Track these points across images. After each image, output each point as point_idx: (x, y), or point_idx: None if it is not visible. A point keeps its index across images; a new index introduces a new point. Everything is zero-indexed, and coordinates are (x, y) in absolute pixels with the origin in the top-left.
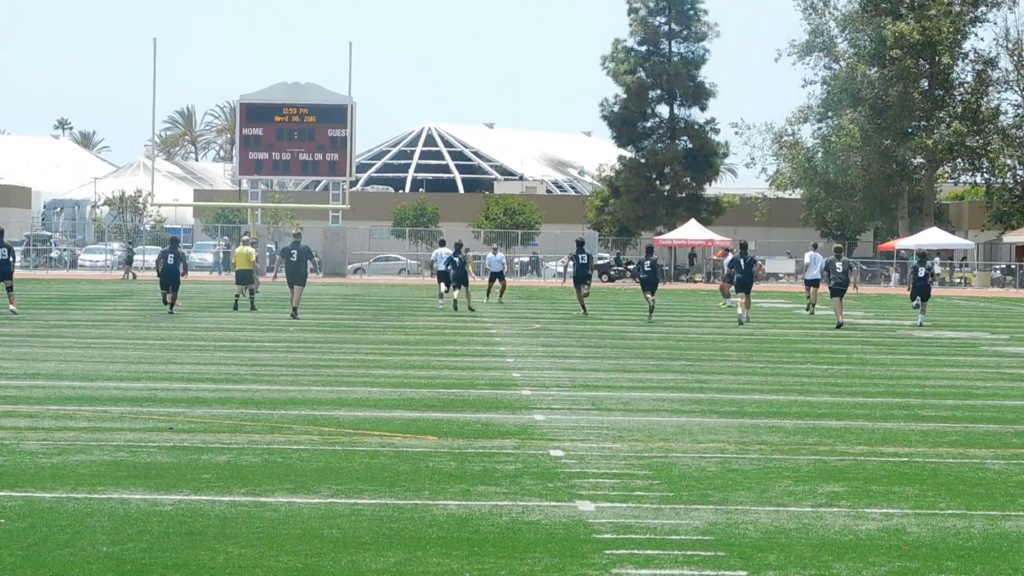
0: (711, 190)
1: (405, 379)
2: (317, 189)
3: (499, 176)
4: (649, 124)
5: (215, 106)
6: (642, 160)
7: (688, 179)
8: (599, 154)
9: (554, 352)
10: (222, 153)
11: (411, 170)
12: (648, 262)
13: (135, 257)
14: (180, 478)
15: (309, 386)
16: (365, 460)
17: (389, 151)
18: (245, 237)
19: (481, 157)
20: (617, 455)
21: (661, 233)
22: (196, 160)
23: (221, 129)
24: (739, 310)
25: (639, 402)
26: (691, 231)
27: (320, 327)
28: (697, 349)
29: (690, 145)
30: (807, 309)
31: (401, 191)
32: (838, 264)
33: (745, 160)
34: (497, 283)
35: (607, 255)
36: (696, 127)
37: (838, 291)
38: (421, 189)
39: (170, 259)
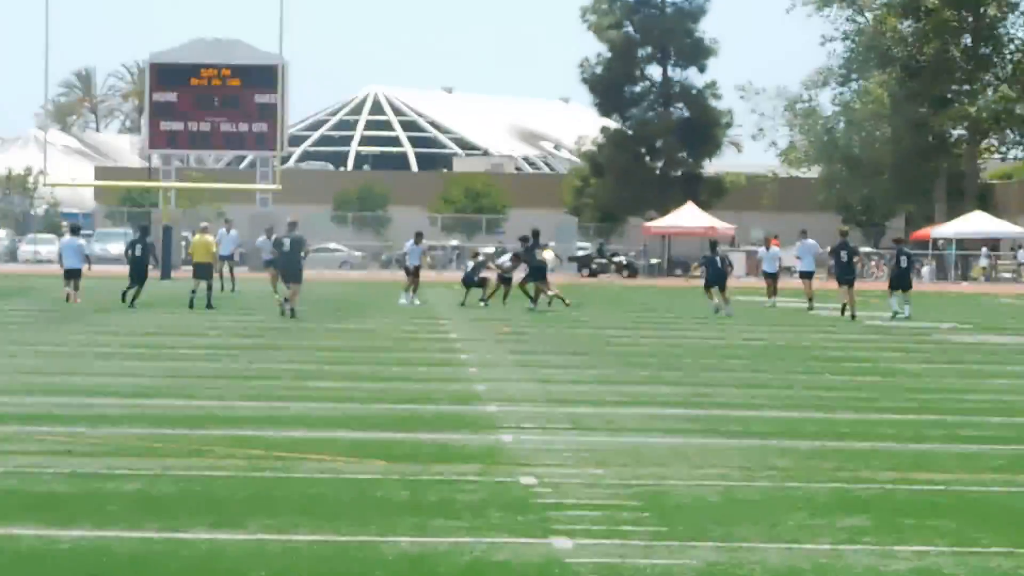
0: (711, 167)
1: (349, 393)
2: (242, 166)
3: (459, 151)
4: (638, 89)
5: (120, 67)
6: (629, 132)
7: (684, 154)
8: (578, 125)
9: (526, 361)
10: (128, 123)
11: (354, 143)
12: (538, 250)
13: (25, 247)
14: (81, 510)
15: (236, 401)
16: (302, 489)
17: (328, 121)
18: (204, 224)
19: (438, 128)
20: (600, 483)
21: (652, 218)
22: (97, 131)
23: (127, 94)
24: (714, 300)
25: (627, 420)
26: (688, 216)
27: (248, 331)
28: (695, 357)
29: (687, 114)
30: (808, 308)
31: (342, 169)
32: (842, 252)
33: (752, 132)
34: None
35: (588, 245)
36: (694, 92)
37: (847, 280)
38: (366, 166)
39: (138, 250)
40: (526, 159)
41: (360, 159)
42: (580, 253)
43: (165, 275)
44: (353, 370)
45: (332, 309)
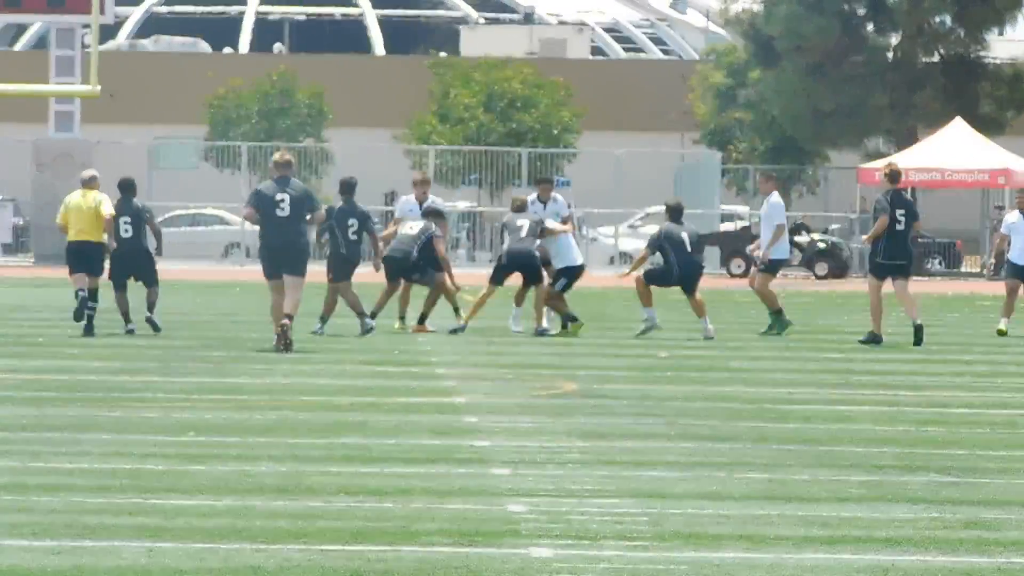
0: (1003, 46)
1: (214, 547)
2: (17, 47)
3: (473, 13)
4: None
5: None
6: None
7: (946, 20)
8: None
9: (610, 454)
10: None
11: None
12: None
13: None
14: None
15: None
16: None
17: None
18: (89, 173)
19: None
20: None
21: (880, 154)
22: None
23: None
24: (645, 319)
25: None
26: (955, 149)
27: (19, 394)
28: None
29: None
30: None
31: (230, 51)
32: None
33: None
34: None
35: (744, 209)
36: None
37: None
38: (279, 46)
39: (125, 227)
40: (611, 30)
41: (265, 29)
42: (727, 226)
43: None
44: (242, 480)
45: (203, 343)
